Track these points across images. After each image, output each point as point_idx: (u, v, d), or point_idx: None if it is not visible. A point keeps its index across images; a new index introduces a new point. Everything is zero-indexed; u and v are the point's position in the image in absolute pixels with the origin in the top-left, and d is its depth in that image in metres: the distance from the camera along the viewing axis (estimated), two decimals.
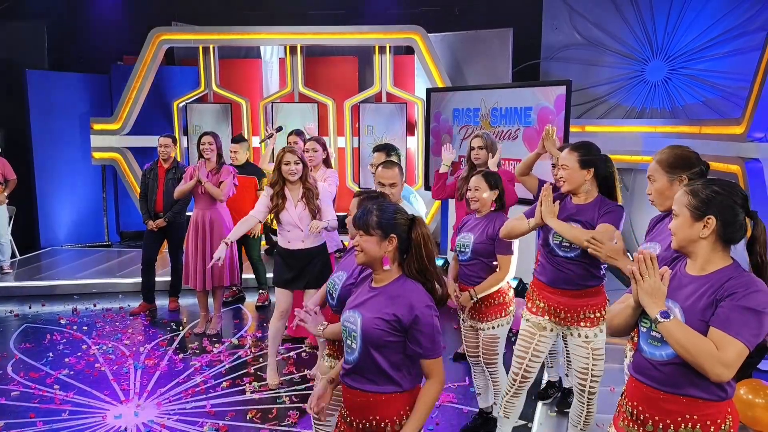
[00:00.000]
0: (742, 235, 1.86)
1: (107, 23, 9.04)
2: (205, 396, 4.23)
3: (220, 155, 5.40)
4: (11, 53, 8.21)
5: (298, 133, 5.76)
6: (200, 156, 5.39)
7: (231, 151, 5.86)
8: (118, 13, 9.15)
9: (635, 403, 1.93)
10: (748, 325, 1.71)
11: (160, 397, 4.22)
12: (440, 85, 7.52)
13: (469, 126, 6.39)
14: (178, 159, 8.10)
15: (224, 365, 4.75)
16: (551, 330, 3.04)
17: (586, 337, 2.97)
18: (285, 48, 8.17)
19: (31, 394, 4.25)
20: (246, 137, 7.05)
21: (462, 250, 3.48)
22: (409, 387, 2.11)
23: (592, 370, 2.98)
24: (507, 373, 3.33)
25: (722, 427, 1.83)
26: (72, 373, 4.61)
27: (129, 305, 6.19)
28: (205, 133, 5.41)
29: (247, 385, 4.39)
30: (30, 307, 6.16)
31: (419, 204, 4.55)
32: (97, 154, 8.18)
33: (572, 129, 5.83)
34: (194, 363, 4.75)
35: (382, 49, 7.94)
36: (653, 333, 1.86)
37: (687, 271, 1.91)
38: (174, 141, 5.85)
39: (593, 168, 2.86)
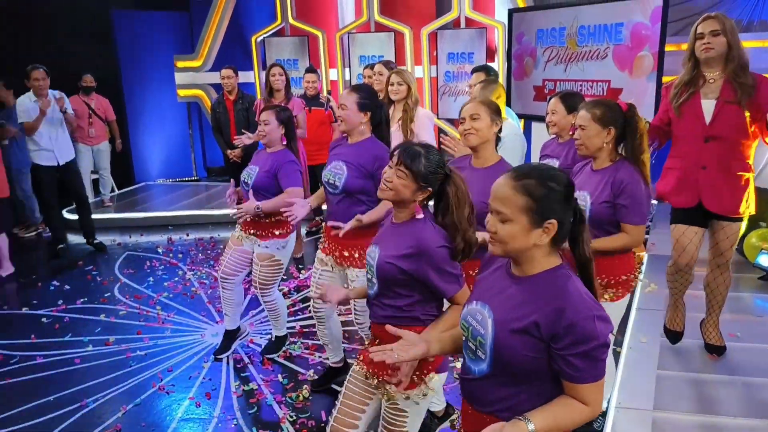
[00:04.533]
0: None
1: None
2: (294, 318, 4.40)
3: (288, 86, 5.43)
4: None
5: (386, 63, 5.65)
6: (269, 88, 5.39)
7: (309, 81, 5.86)
8: None
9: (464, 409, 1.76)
10: (598, 365, 1.49)
11: (252, 318, 4.44)
12: (522, 5, 7.15)
13: (554, 47, 6.07)
14: (257, 95, 8.28)
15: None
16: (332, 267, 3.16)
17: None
18: None
19: (136, 314, 4.57)
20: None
21: None
22: (429, 321, 2.13)
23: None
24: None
25: None
26: (171, 296, 4.91)
27: (219, 234, 6.48)
28: (274, 65, 5.44)
29: None
30: (130, 237, 6.56)
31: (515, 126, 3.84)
32: (181, 92, 8.42)
33: (668, 48, 5.42)
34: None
35: None
36: (469, 344, 1.65)
37: (512, 271, 1.63)
38: (236, 72, 5.95)
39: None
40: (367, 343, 2.35)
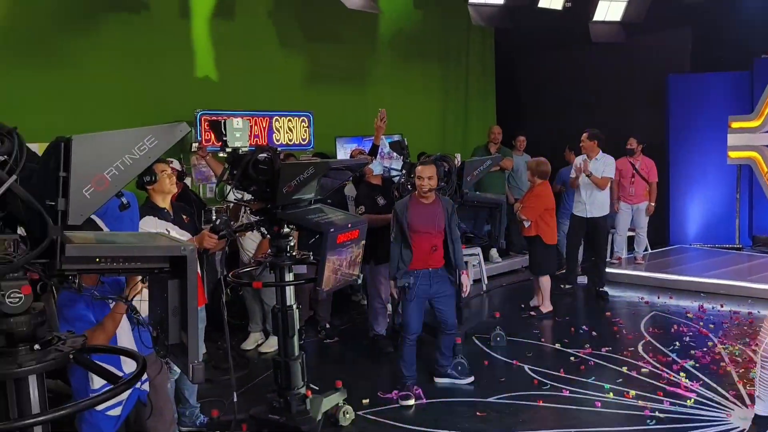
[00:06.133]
0: None
1: (752, 17, 8.58)
2: None
3: None
4: (654, 60, 8.80)
5: None
6: None
7: None
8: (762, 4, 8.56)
9: None
10: None
11: None
12: None
13: None
14: None
15: None
16: None
17: None
18: None
19: (658, 375, 4.51)
20: None
21: None
22: None
23: None
24: None
25: None
26: (697, 365, 4.64)
27: (759, 311, 5.77)
28: None
29: None
30: (658, 297, 6.53)
31: None
32: (732, 153, 7.96)
33: None
34: None
35: None
36: None
37: None
38: None
39: None
40: None
